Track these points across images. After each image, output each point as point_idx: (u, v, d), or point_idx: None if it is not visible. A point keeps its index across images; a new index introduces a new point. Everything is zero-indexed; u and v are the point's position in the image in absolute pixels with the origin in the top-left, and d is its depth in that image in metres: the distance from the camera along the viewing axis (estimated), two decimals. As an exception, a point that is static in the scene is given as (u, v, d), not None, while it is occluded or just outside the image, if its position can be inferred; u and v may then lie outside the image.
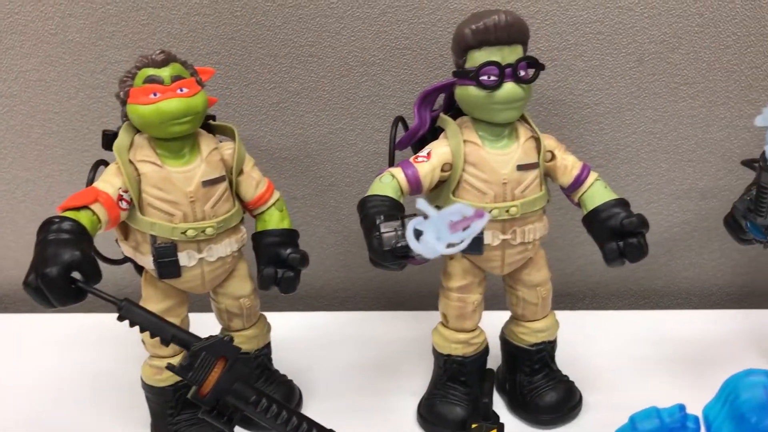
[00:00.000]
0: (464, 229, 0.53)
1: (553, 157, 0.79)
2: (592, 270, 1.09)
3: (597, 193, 0.78)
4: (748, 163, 0.84)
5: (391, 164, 0.80)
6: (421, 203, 0.52)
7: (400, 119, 0.83)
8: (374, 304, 1.11)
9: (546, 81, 0.97)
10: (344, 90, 0.98)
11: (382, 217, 0.69)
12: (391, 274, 1.04)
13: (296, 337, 1.02)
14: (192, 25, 0.95)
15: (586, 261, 1.08)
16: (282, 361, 0.94)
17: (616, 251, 0.74)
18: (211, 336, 0.66)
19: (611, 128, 1.00)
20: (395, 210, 0.73)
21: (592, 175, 0.79)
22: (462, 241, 0.55)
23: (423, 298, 1.06)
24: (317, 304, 1.12)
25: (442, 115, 0.80)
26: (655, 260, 1.08)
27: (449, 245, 0.54)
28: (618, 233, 0.75)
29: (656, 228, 1.06)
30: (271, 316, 1.06)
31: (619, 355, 0.97)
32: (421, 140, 0.82)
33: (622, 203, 0.78)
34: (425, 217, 0.55)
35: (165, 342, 0.63)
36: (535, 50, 0.95)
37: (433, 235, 0.52)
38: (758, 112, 0.96)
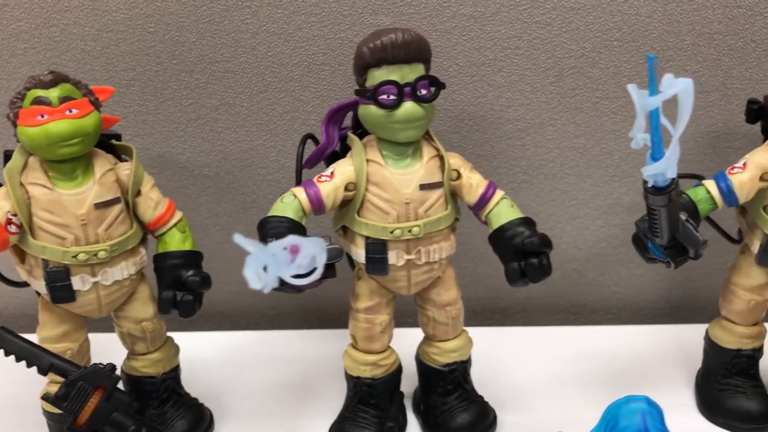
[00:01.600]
0: (309, 259, 0.52)
1: (459, 175, 0.78)
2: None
3: (502, 212, 0.77)
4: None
5: (299, 183, 0.79)
6: (238, 238, 0.51)
7: (309, 137, 0.82)
8: (302, 323, 1.09)
9: (466, 97, 0.96)
10: (263, 106, 0.97)
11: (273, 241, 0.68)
12: (316, 293, 1.02)
13: (217, 358, 1.00)
14: (105, 41, 0.93)
15: (515, 277, 1.07)
16: (200, 383, 0.92)
17: (517, 271, 0.73)
18: (93, 364, 0.64)
19: (534, 144, 0.99)
20: (292, 232, 0.71)
21: (498, 194, 0.78)
22: (313, 272, 0.54)
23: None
24: (243, 323, 1.10)
25: (349, 133, 0.79)
26: (584, 276, 1.07)
27: (297, 276, 0.53)
28: (521, 253, 0.74)
29: (583, 243, 1.06)
30: (195, 337, 1.05)
31: (544, 372, 0.96)
32: (335, 158, 0.80)
33: (527, 222, 0.76)
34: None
35: (42, 371, 0.61)
36: (454, 66, 0.94)
37: (255, 268, 0.51)
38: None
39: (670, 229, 0.68)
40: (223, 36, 0.93)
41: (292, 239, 0.53)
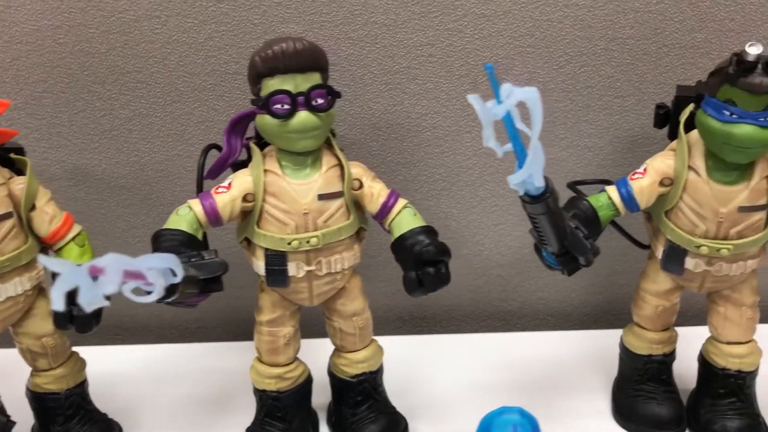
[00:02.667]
0: (157, 276, 0.51)
1: (361, 185, 0.77)
2: (446, 292, 1.07)
3: (404, 221, 0.77)
4: (572, 186, 0.83)
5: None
6: (44, 259, 0.50)
7: (212, 147, 0.81)
8: (227, 335, 1.08)
9: (382, 105, 0.95)
10: (177, 116, 0.95)
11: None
12: (239, 304, 1.01)
13: (136, 372, 0.98)
14: (15, 53, 0.92)
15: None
16: (114, 398, 0.91)
17: (414, 281, 0.73)
18: None
19: (452, 151, 0.98)
20: (183, 246, 0.71)
21: (401, 202, 0.78)
22: (151, 291, 0.53)
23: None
24: (169, 335, 1.09)
25: (251, 143, 0.78)
26: (509, 282, 1.07)
27: (140, 291, 0.52)
28: (420, 261, 0.74)
29: (506, 250, 1.05)
30: (116, 350, 1.04)
31: (465, 380, 0.96)
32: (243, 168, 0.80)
33: (427, 231, 0.76)
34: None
35: None
36: (368, 74, 0.94)
37: (62, 289, 0.49)
38: (597, 132, 0.98)
39: (557, 237, 0.68)
40: (134, 46, 0.92)
41: (99, 260, 0.51)
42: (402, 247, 0.75)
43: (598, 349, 1.00)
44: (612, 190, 0.77)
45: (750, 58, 0.67)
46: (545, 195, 0.62)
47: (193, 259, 0.67)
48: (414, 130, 0.97)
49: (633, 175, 0.77)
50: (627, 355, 0.87)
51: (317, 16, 0.91)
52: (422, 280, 0.73)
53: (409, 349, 1.02)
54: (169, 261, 0.52)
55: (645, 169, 0.77)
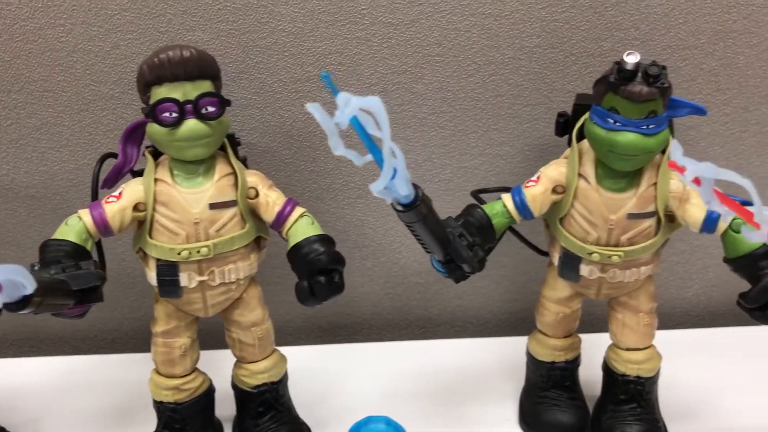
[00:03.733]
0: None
1: (257, 194, 0.77)
2: (366, 300, 1.07)
3: (300, 229, 0.76)
4: (475, 194, 0.83)
5: (95, 204, 0.77)
6: None
7: (108, 155, 0.80)
8: (144, 345, 1.07)
9: (293, 113, 0.95)
10: (85, 125, 0.94)
11: (36, 267, 0.66)
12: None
13: (44, 384, 0.97)
14: None
15: (359, 292, 1.07)
16: (17, 411, 0.90)
17: (305, 290, 0.72)
18: None
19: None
20: (69, 257, 0.70)
21: (298, 211, 0.77)
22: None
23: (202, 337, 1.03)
24: (84, 346, 1.07)
25: (146, 152, 0.78)
26: (428, 288, 1.07)
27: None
28: (315, 270, 0.73)
29: (424, 257, 1.04)
30: (28, 362, 1.02)
31: (378, 388, 0.95)
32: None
33: (323, 239, 0.76)
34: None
35: None
36: (278, 82, 0.93)
37: None
38: (508, 141, 0.98)
39: (438, 245, 0.68)
40: (39, 55, 0.91)
41: None
42: (296, 256, 0.75)
43: (514, 356, 0.99)
44: (507, 198, 0.78)
45: (629, 67, 0.67)
46: (415, 203, 0.62)
47: (67, 270, 0.66)
48: (325, 139, 0.97)
49: (527, 183, 0.78)
50: (532, 362, 0.88)
51: (224, 25, 0.90)
52: (313, 289, 0.72)
53: (327, 358, 1.01)
54: (16, 272, 0.51)
55: (538, 177, 0.77)
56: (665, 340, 0.95)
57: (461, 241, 0.70)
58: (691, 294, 1.09)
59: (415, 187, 0.62)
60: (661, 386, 0.91)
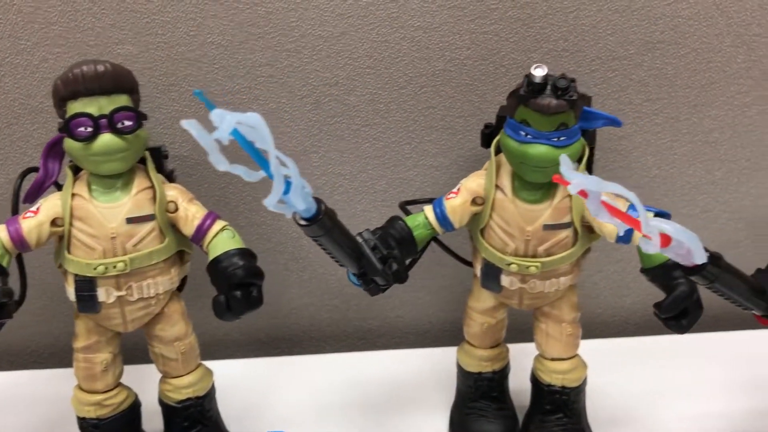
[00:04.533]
0: None
1: (177, 207, 0.77)
2: (304, 313, 1.07)
3: (220, 243, 0.76)
4: (402, 206, 0.83)
5: (15, 219, 0.77)
6: None
7: (30, 170, 0.79)
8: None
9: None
10: (15, 139, 0.94)
11: None
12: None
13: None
14: None
15: (297, 304, 1.07)
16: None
17: (221, 304, 0.72)
18: None
19: (300, 170, 0.98)
20: None
21: (218, 224, 0.77)
22: None
23: (128, 352, 1.02)
24: (21, 361, 1.06)
25: (66, 167, 0.77)
26: (366, 300, 1.07)
27: None
28: (233, 284, 0.73)
29: (361, 269, 1.05)
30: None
31: (312, 401, 0.95)
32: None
33: (243, 253, 0.75)
34: None
35: None
36: (209, 94, 0.92)
37: None
38: (442, 152, 0.98)
39: (349, 258, 0.68)
40: (-35, 68, 0.90)
41: None
42: (215, 269, 0.75)
43: (451, 366, 0.98)
44: (428, 210, 0.78)
45: (537, 80, 0.68)
46: (317, 216, 0.62)
47: None
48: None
49: (448, 194, 0.78)
50: (460, 373, 0.88)
51: (153, 38, 0.90)
52: (229, 303, 0.72)
53: (263, 371, 1.01)
54: None
55: (458, 189, 0.78)
56: (601, 348, 0.96)
57: (375, 254, 0.70)
58: (629, 302, 1.10)
59: (317, 200, 0.62)
60: (596, 395, 0.92)
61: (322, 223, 0.62)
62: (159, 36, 0.90)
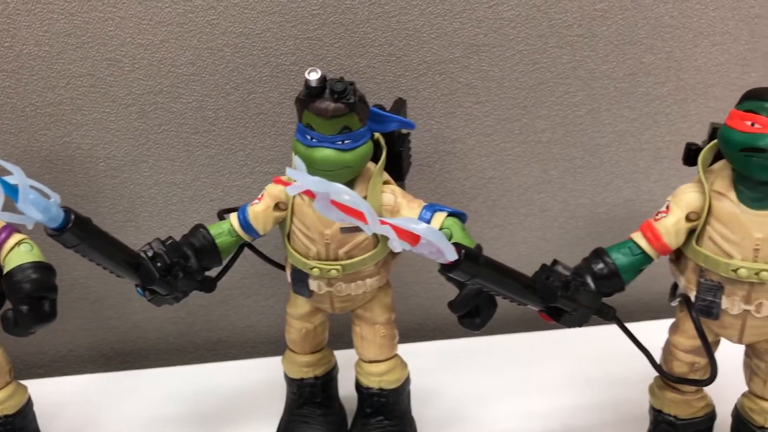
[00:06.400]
0: None
1: (-25, 221, 0.75)
2: (149, 326, 1.06)
3: (15, 257, 0.74)
4: (220, 214, 0.82)
5: None
6: None
7: None
8: None
9: (49, 137, 0.93)
10: None
11: None
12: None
13: None
14: None
15: (140, 318, 1.05)
16: None
17: (8, 319, 0.70)
18: None
19: (131, 181, 0.97)
20: None
21: (15, 237, 0.75)
22: None
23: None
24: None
25: None
26: (212, 311, 1.06)
27: None
28: (20, 299, 0.71)
29: (204, 279, 1.04)
30: None
31: (145, 415, 0.94)
32: None
33: (38, 267, 0.73)
34: None
35: None
36: (29, 106, 0.91)
37: None
38: (277, 158, 0.98)
39: (121, 268, 0.67)
40: None
41: None
42: (7, 283, 0.73)
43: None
44: (233, 217, 0.78)
45: (312, 84, 0.68)
46: (66, 225, 0.61)
47: None
48: (87, 162, 0.95)
49: (253, 201, 0.78)
50: (286, 380, 0.87)
51: (-36, 49, 0.88)
52: (16, 318, 0.70)
53: (106, 386, 0.99)
54: None
55: (262, 195, 0.77)
56: (431, 350, 0.96)
57: (155, 263, 0.69)
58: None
59: (67, 210, 0.61)
60: (424, 397, 0.92)
61: (73, 232, 0.61)
62: (-28, 47, 0.88)
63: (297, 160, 0.52)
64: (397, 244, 0.55)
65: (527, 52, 0.96)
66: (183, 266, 0.71)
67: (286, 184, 0.51)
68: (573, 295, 0.66)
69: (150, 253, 0.69)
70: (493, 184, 1.03)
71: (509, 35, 0.95)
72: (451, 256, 0.57)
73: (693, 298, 0.72)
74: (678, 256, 0.74)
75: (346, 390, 0.90)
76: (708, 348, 0.70)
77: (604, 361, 0.97)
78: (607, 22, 0.95)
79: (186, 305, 1.05)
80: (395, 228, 0.54)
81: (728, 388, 0.79)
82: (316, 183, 0.51)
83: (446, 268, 0.59)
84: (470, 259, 0.59)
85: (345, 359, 0.89)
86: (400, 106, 0.84)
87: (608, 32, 0.95)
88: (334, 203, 0.52)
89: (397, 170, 0.81)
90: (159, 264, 0.69)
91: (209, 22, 0.90)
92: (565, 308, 0.66)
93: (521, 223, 1.06)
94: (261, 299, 1.06)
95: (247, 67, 0.93)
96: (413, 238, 0.56)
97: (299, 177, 0.51)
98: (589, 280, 0.70)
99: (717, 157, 0.72)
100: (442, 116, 0.98)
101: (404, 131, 0.84)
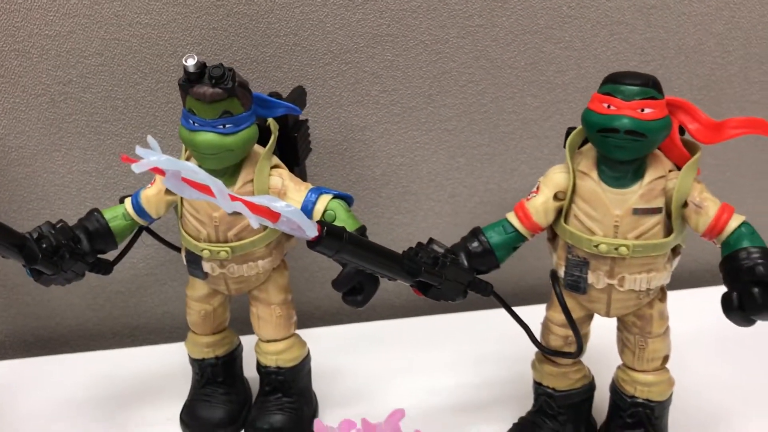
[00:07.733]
0: None
1: None
2: (68, 313, 1.08)
3: None
4: (122, 199, 0.85)
5: None
6: None
7: None
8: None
9: (-40, 126, 0.95)
10: None
11: None
12: None
13: None
14: None
15: (60, 304, 1.07)
16: None
17: None
18: None
19: (44, 170, 0.99)
20: None
21: None
22: None
23: None
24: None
25: None
26: (130, 297, 1.08)
27: None
28: None
29: (121, 266, 1.06)
30: None
31: (54, 400, 0.95)
32: None
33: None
34: None
35: None
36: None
37: None
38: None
39: (8, 250, 0.69)
40: None
41: None
42: None
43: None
44: (128, 201, 0.80)
45: (190, 70, 0.70)
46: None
47: None
48: (1, 151, 0.97)
49: (148, 185, 0.80)
50: (190, 361, 0.89)
51: None
52: None
53: (22, 371, 1.00)
54: None
55: (154, 180, 0.79)
56: (340, 333, 0.99)
57: (41, 245, 0.71)
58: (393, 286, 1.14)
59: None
60: (330, 377, 0.95)
61: None
62: None
63: (150, 140, 0.54)
64: (253, 221, 0.58)
65: (430, 42, 0.99)
66: (71, 248, 0.73)
67: (132, 161, 0.53)
68: (440, 270, 0.69)
69: (35, 235, 0.71)
70: (402, 170, 1.05)
71: (411, 25, 0.97)
72: (312, 232, 0.60)
73: (563, 274, 0.75)
74: (554, 236, 0.77)
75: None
76: (572, 322, 0.74)
77: (498, 342, 1.00)
78: (507, 13, 0.98)
79: (104, 292, 1.07)
80: (248, 204, 0.57)
81: (613, 360, 0.83)
82: (164, 161, 0.54)
83: (310, 245, 0.62)
84: (332, 235, 0.62)
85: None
86: (298, 94, 0.87)
87: (508, 22, 0.98)
88: (185, 180, 0.55)
89: (293, 155, 0.84)
90: (44, 245, 0.71)
91: (115, 13, 0.92)
92: (431, 282, 0.69)
93: (432, 209, 1.08)
94: (177, 285, 1.08)
95: (155, 57, 0.95)
96: (272, 215, 0.59)
97: (146, 154, 0.53)
98: (463, 257, 0.73)
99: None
100: (349, 105, 1.01)
101: (301, 118, 0.87)
